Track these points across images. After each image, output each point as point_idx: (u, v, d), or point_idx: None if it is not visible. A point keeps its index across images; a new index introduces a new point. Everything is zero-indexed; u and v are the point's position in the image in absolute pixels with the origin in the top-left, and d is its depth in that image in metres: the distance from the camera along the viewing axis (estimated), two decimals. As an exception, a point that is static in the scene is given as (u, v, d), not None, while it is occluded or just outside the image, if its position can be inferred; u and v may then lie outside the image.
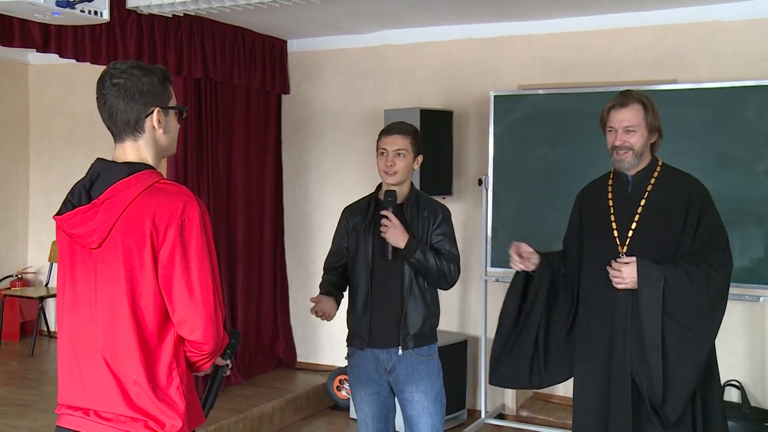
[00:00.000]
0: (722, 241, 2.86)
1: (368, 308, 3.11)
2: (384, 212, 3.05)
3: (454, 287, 3.23)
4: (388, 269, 3.09)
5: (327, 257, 3.30)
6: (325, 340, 5.90)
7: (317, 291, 3.21)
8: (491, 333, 5.14)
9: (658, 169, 2.93)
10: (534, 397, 5.35)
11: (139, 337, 1.93)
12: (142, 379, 1.93)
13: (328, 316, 3.05)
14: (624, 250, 2.86)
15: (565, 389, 4.97)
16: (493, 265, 4.97)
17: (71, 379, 2.01)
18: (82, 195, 1.98)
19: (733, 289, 4.03)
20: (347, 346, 3.23)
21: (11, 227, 7.02)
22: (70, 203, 1.99)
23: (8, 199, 6.99)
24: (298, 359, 6.03)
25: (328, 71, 5.89)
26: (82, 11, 3.37)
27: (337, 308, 3.12)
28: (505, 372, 3.16)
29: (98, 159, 2.04)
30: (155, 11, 4.53)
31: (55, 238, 2.10)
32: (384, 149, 3.12)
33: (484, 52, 5.33)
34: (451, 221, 3.19)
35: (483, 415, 5.10)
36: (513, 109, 4.91)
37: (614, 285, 2.83)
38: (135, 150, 2.03)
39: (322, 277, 3.25)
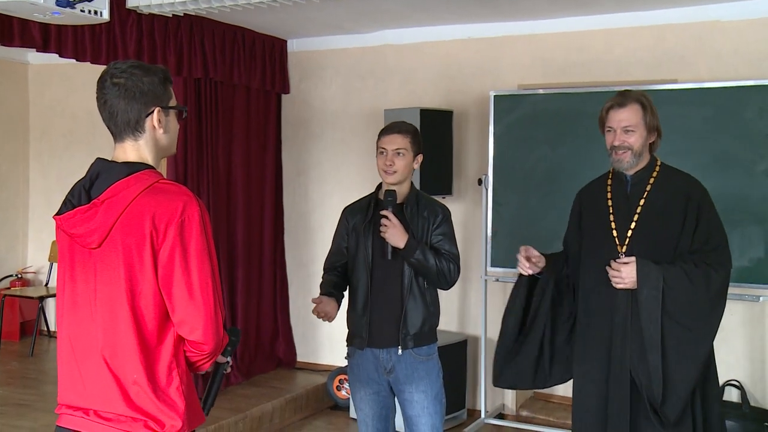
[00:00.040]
0: (721, 240, 2.86)
1: (368, 308, 3.11)
2: (384, 212, 3.05)
3: (454, 287, 3.23)
4: (388, 269, 3.09)
5: (327, 257, 3.30)
6: (325, 339, 5.90)
7: (317, 291, 3.21)
8: (491, 333, 5.19)
9: (657, 168, 2.93)
10: (534, 397, 5.35)
11: (138, 337, 1.93)
12: (142, 379, 1.93)
13: (329, 317, 3.05)
14: (623, 250, 2.86)
15: (564, 389, 4.97)
16: (493, 265, 4.98)
17: (71, 379, 2.01)
18: (81, 195, 1.98)
19: (733, 289, 4.04)
20: (347, 345, 3.23)
21: (11, 227, 7.02)
22: (69, 203, 1.99)
23: (8, 199, 6.99)
24: (298, 359, 6.03)
25: (328, 71, 5.89)
26: (82, 11, 3.37)
27: (338, 308, 3.13)
28: (510, 375, 3.16)
29: (98, 159, 2.04)
30: (155, 11, 4.53)
31: (55, 238, 2.10)
32: (383, 148, 3.12)
33: (484, 52, 5.33)
34: (451, 221, 3.19)
35: (483, 415, 5.10)
36: (513, 109, 4.91)
37: (613, 285, 2.83)
38: (135, 150, 2.03)
39: (322, 277, 3.25)
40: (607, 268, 2.84)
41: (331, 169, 5.90)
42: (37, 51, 4.30)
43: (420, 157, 3.18)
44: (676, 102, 4.38)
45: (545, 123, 4.81)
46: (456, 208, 5.12)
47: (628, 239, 2.87)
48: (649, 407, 2.79)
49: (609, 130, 2.90)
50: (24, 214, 7.13)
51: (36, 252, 7.10)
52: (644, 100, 2.88)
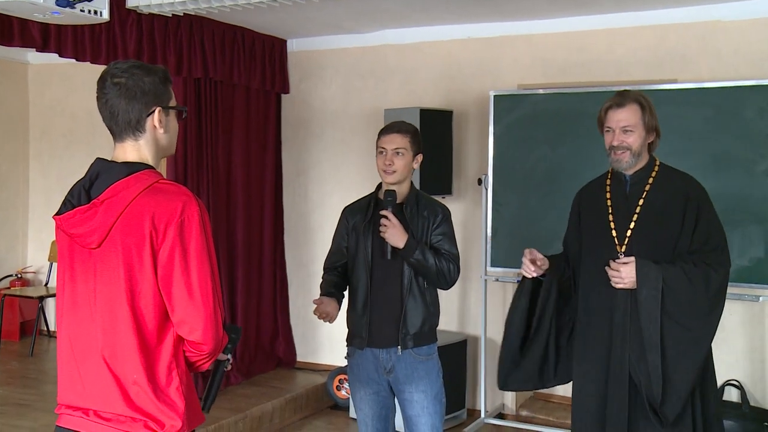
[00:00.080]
0: (720, 240, 2.86)
1: (368, 308, 3.11)
2: (383, 212, 3.05)
3: (453, 287, 3.23)
4: (388, 269, 3.09)
5: (327, 257, 3.30)
6: (325, 339, 5.90)
7: (317, 290, 3.21)
8: (491, 332, 5.20)
9: (656, 168, 2.93)
10: (533, 396, 5.35)
11: (138, 337, 1.93)
12: (142, 379, 1.93)
13: (330, 318, 3.05)
14: (622, 250, 2.86)
15: (564, 389, 4.96)
16: (492, 265, 4.98)
17: (71, 379, 2.01)
18: (81, 195, 1.98)
19: (733, 289, 4.04)
20: (347, 345, 3.23)
21: (11, 227, 7.02)
22: (69, 203, 1.99)
23: (8, 199, 6.99)
24: (298, 359, 6.03)
25: (327, 71, 5.89)
26: (81, 11, 3.37)
27: (339, 309, 3.13)
28: (516, 379, 3.16)
29: (98, 159, 2.04)
30: (155, 11, 4.53)
31: (54, 238, 2.10)
32: (383, 148, 3.12)
33: (484, 52, 5.33)
34: (451, 221, 3.19)
35: (483, 415, 5.10)
36: (513, 109, 4.91)
37: (613, 285, 2.83)
38: (135, 150, 2.03)
39: (323, 277, 3.25)
40: (607, 268, 2.84)
41: (331, 169, 5.90)
42: (36, 51, 4.30)
43: (420, 157, 3.18)
44: (676, 102, 4.38)
45: (545, 123, 4.81)
46: (456, 208, 5.12)
47: (627, 239, 2.87)
48: (649, 407, 2.79)
49: (608, 130, 2.90)
50: (24, 214, 7.13)
51: (36, 252, 7.10)
52: (643, 100, 2.88)
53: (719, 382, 4.33)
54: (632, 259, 2.79)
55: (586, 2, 4.64)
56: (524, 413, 5.21)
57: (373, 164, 3.24)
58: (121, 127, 2.01)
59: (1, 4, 3.26)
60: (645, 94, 2.94)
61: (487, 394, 5.12)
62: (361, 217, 3.17)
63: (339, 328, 3.36)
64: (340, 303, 3.14)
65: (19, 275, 6.95)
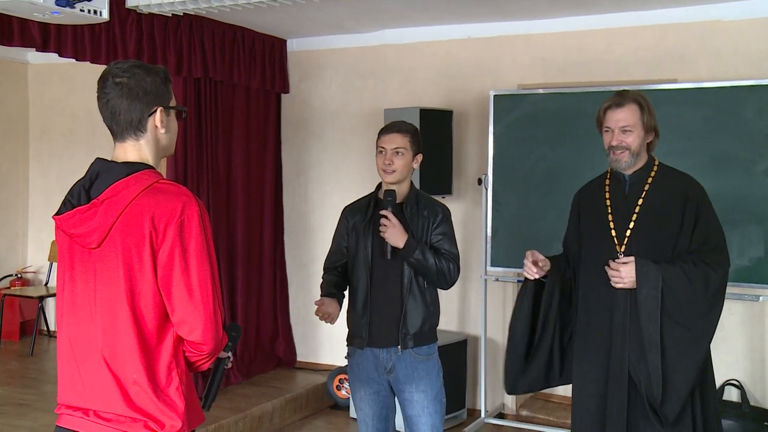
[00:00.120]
0: (719, 240, 2.86)
1: (368, 308, 3.11)
2: (383, 212, 3.05)
3: (453, 287, 3.23)
4: (388, 269, 3.09)
5: (327, 256, 3.30)
6: (325, 339, 5.90)
7: (317, 290, 3.20)
8: (491, 332, 5.20)
9: (655, 168, 2.93)
10: (533, 396, 5.35)
11: (138, 336, 1.93)
12: (143, 379, 1.93)
13: (332, 318, 3.05)
14: (622, 250, 2.86)
15: (564, 389, 4.97)
16: (492, 265, 4.98)
17: (71, 379, 2.01)
18: (81, 195, 1.98)
19: (733, 289, 4.04)
20: (347, 345, 3.23)
21: (11, 227, 7.02)
22: (69, 203, 1.99)
23: (8, 199, 6.99)
24: (298, 359, 6.03)
25: (327, 71, 5.89)
26: (81, 10, 3.37)
27: (340, 309, 3.13)
28: (524, 383, 3.16)
29: (97, 159, 2.04)
30: (155, 10, 4.53)
31: (54, 238, 2.10)
32: (383, 148, 3.12)
33: (483, 52, 5.33)
34: (451, 221, 3.19)
35: (483, 415, 5.10)
36: (513, 109, 4.91)
37: (613, 285, 2.83)
38: (136, 149, 2.03)
39: (323, 277, 3.25)
40: (606, 268, 2.84)
41: (331, 169, 5.90)
42: (36, 50, 4.30)
43: (420, 157, 3.18)
44: (675, 102, 4.38)
45: (545, 123, 4.81)
46: (456, 207, 5.12)
47: (626, 239, 2.87)
48: (649, 407, 2.79)
49: (607, 130, 2.90)
50: (24, 214, 7.13)
51: (36, 252, 7.10)
52: (642, 100, 2.88)
53: (719, 382, 4.35)
54: (632, 258, 2.79)
55: (585, 2, 4.64)
56: (524, 413, 5.21)
57: (373, 164, 3.24)
58: (123, 126, 2.01)
59: (0, 4, 3.27)
60: (644, 93, 2.94)
61: (487, 393, 5.12)
62: (361, 216, 3.17)
63: (339, 328, 3.36)
64: (340, 303, 3.14)
65: (19, 275, 6.95)
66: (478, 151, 5.30)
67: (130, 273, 1.93)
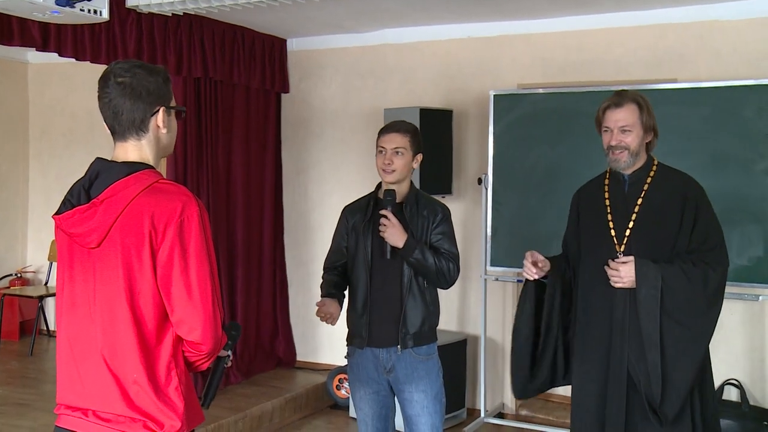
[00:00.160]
0: (718, 239, 2.87)
1: (368, 307, 3.11)
2: (383, 212, 3.05)
3: (453, 286, 3.23)
4: (388, 269, 3.09)
5: (327, 256, 3.30)
6: (325, 339, 5.90)
7: (317, 290, 3.20)
8: (491, 332, 5.20)
9: (654, 168, 2.93)
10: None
11: (138, 336, 1.93)
12: (143, 379, 1.93)
13: (333, 319, 3.05)
14: (621, 250, 2.86)
15: (564, 388, 4.96)
16: (492, 264, 4.98)
17: (70, 379, 2.01)
18: (81, 194, 1.98)
19: (733, 288, 4.04)
20: (347, 345, 3.23)
21: (11, 226, 7.02)
22: (69, 203, 1.99)
23: (8, 198, 6.99)
24: (298, 358, 6.03)
25: (327, 70, 5.89)
26: (81, 10, 3.37)
27: (341, 309, 3.13)
28: (533, 388, 3.16)
29: (97, 158, 2.04)
30: (155, 10, 4.53)
31: (54, 237, 2.10)
32: (382, 147, 3.12)
33: (483, 52, 5.33)
34: (451, 220, 3.19)
35: (482, 414, 5.10)
36: (513, 109, 4.91)
37: (612, 284, 2.83)
38: (137, 149, 2.03)
39: (323, 277, 3.25)
40: (606, 267, 2.84)
41: (331, 169, 5.90)
42: (36, 50, 4.31)
43: (419, 157, 3.17)
44: (675, 101, 4.38)
45: (545, 122, 4.81)
46: (456, 207, 5.12)
47: (626, 239, 2.87)
48: (648, 406, 2.80)
49: (606, 130, 2.91)
50: (23, 214, 7.13)
51: (35, 251, 7.10)
52: (641, 99, 2.89)
53: (719, 382, 4.36)
54: (631, 258, 2.79)
55: (585, 2, 4.64)
56: (524, 413, 5.21)
57: (373, 164, 3.24)
58: (125, 126, 2.01)
59: (0, 4, 3.27)
60: (643, 93, 2.94)
61: (486, 393, 5.12)
62: (361, 216, 3.17)
63: (339, 328, 3.36)
64: (341, 303, 3.14)
65: (19, 275, 6.95)
66: (478, 151, 5.30)
67: (129, 273, 1.93)
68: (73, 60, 4.50)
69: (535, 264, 3.00)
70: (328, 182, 5.91)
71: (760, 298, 4.38)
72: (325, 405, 5.45)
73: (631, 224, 2.87)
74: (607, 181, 3.00)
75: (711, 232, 2.85)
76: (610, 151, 2.90)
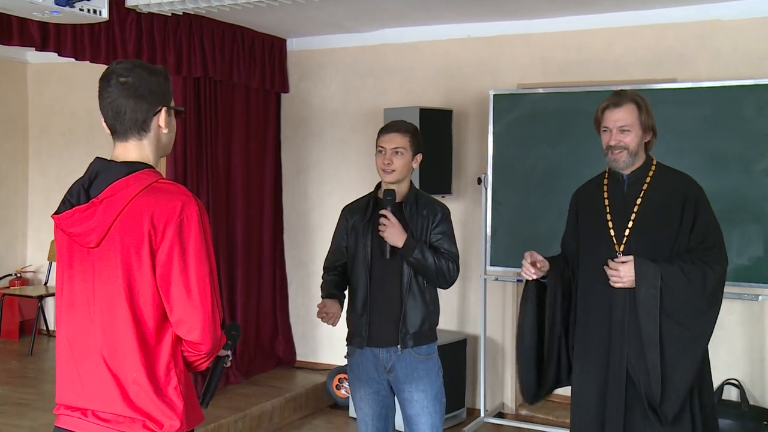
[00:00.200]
0: (717, 238, 2.87)
1: (367, 307, 3.11)
2: (382, 211, 3.05)
3: (453, 286, 3.23)
4: (387, 268, 3.09)
5: (327, 256, 3.30)
6: (325, 339, 5.90)
7: (317, 290, 3.20)
8: (490, 332, 5.20)
9: (653, 168, 2.93)
10: (533, 395, 5.35)
11: (138, 336, 1.93)
12: (142, 378, 1.92)
13: (334, 320, 3.05)
14: (621, 249, 2.86)
15: (564, 388, 4.96)
16: (492, 264, 4.98)
17: (69, 378, 2.01)
18: (80, 194, 1.98)
19: (733, 288, 4.04)
20: (347, 344, 3.23)
21: (10, 226, 7.02)
22: (68, 202, 1.99)
23: (7, 198, 6.99)
24: (298, 358, 6.03)
25: (327, 70, 5.89)
26: (81, 10, 3.37)
27: (342, 309, 3.13)
28: (542, 392, 3.16)
29: (97, 158, 2.04)
30: (154, 10, 4.53)
31: (54, 237, 2.10)
32: (382, 147, 3.12)
33: (483, 51, 5.33)
34: (451, 220, 3.19)
35: (482, 414, 5.10)
36: (512, 108, 4.91)
37: (612, 284, 2.83)
38: (138, 149, 2.03)
39: (323, 277, 3.25)
40: (605, 267, 2.84)
41: (331, 169, 5.90)
42: (36, 50, 4.31)
43: (419, 157, 3.17)
44: (675, 101, 4.38)
45: (545, 122, 4.81)
46: (455, 207, 5.12)
47: (625, 238, 2.87)
48: (648, 406, 2.80)
49: (605, 130, 2.91)
50: (23, 213, 7.13)
51: (35, 251, 7.10)
52: (639, 99, 2.89)
53: (718, 382, 4.36)
54: (631, 258, 2.79)
55: (585, 1, 4.64)
56: (524, 412, 5.21)
57: (373, 163, 3.24)
58: (127, 126, 2.01)
59: (0, 3, 3.26)
60: (641, 93, 2.94)
61: (486, 393, 5.12)
62: (361, 216, 3.17)
63: (339, 328, 3.36)
64: (342, 303, 3.14)
65: (19, 274, 6.95)
66: (478, 151, 5.30)
67: (129, 272, 1.93)
68: (73, 60, 4.50)
69: (534, 264, 3.00)
70: (327, 182, 5.91)
71: (760, 297, 4.38)
72: (324, 405, 5.45)
73: (630, 224, 2.87)
74: (606, 181, 3.00)
75: (710, 231, 2.85)
76: (609, 151, 2.90)
